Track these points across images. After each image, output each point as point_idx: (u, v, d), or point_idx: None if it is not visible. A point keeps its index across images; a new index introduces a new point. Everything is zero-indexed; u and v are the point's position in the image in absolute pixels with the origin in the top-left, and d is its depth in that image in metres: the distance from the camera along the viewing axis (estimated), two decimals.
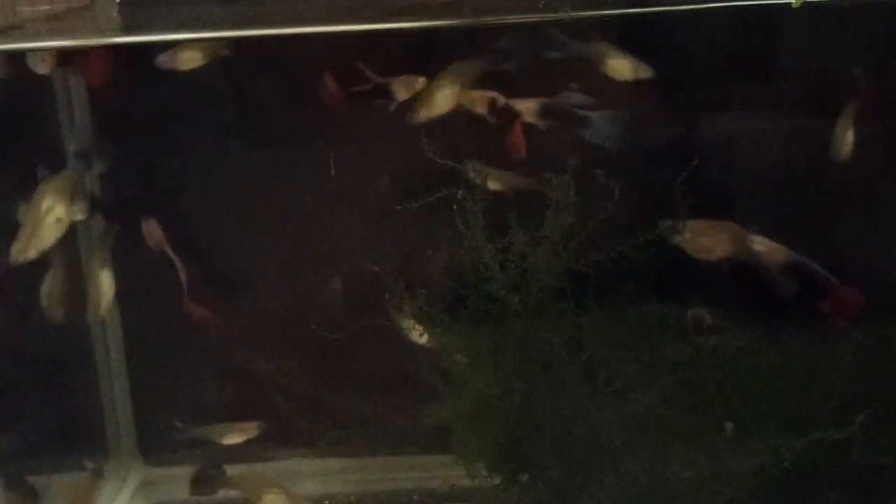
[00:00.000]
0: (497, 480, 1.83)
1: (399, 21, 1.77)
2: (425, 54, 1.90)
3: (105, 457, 2.16)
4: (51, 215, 1.80)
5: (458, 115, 1.83)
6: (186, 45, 1.81)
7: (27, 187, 1.84)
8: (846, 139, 1.81)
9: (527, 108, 1.80)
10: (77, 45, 1.85)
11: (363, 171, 1.97)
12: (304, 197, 2.01)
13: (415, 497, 2.08)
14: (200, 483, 1.97)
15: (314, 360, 2.03)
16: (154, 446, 2.18)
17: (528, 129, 1.81)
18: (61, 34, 1.87)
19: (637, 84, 1.79)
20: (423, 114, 1.81)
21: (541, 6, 1.72)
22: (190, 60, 1.82)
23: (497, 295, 1.73)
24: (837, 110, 1.82)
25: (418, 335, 1.83)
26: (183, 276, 1.91)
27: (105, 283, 1.93)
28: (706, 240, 1.77)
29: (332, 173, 1.92)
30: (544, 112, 1.80)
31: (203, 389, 2.12)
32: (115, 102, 2.00)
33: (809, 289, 1.78)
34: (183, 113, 1.98)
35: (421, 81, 1.82)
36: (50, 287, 1.91)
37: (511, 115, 1.80)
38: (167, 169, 2.03)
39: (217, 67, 1.88)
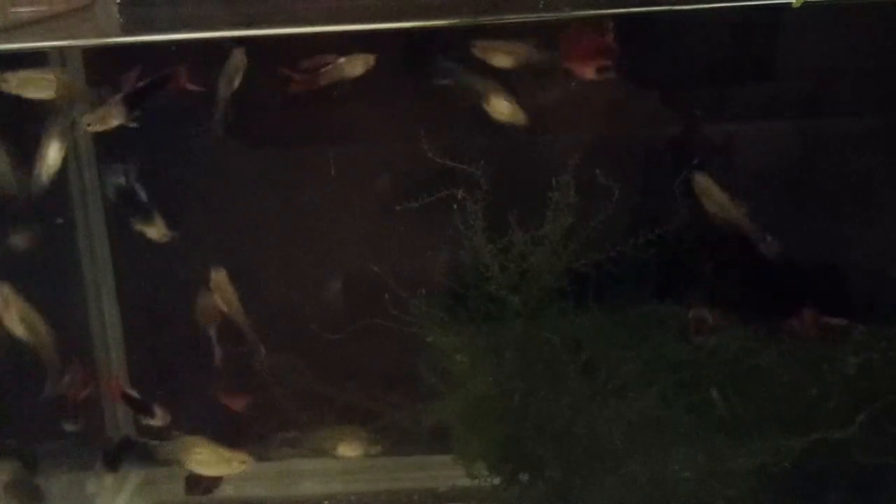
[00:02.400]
0: (497, 480, 1.84)
1: (398, 21, 1.78)
2: None
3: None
4: None
5: None
6: None
7: None
8: None
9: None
10: (77, 45, 1.85)
11: None
12: None
13: (415, 497, 2.07)
14: (196, 482, 1.97)
15: (314, 359, 2.03)
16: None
17: None
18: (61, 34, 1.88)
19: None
20: None
21: (541, 6, 1.72)
22: None
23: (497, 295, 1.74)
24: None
25: None
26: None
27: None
28: None
29: (332, 173, 1.92)
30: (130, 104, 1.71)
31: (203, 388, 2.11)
32: None
33: None
34: None
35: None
36: None
37: None
38: None
39: None
